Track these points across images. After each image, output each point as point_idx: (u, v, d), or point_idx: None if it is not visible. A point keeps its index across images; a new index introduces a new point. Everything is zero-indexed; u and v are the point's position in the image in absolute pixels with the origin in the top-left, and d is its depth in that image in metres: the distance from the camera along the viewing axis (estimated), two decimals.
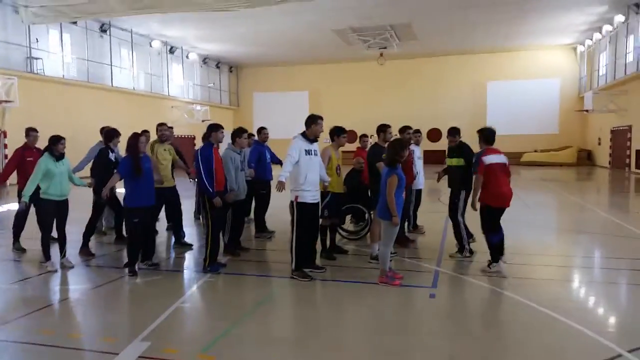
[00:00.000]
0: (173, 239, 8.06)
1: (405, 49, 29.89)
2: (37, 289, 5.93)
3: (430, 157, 31.39)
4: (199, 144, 6.55)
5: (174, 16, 23.14)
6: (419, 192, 8.65)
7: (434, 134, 32.87)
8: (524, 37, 28.63)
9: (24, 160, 7.87)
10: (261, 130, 8.91)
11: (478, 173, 6.29)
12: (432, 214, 10.94)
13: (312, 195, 6.00)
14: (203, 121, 29.68)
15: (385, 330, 4.54)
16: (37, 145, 8.17)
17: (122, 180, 6.35)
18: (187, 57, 31.65)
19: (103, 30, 24.58)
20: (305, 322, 4.83)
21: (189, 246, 7.85)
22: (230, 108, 37.74)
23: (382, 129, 7.23)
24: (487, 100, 33.61)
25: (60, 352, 4.07)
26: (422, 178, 8.68)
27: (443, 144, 32.71)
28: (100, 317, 5.01)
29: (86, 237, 7.40)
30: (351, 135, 19.63)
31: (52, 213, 6.66)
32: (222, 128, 6.64)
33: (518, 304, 5.18)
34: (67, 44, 22.76)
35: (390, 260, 6.03)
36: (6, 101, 18.64)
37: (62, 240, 6.80)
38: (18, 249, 7.74)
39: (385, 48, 29.03)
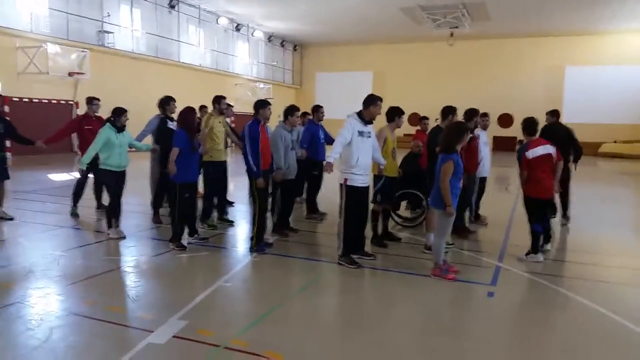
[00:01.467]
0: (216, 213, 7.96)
1: (477, 29, 28.39)
2: (87, 257, 5.99)
3: (500, 144, 29.95)
4: None
5: None
6: (483, 180, 8.06)
7: (505, 120, 31.24)
8: (607, 21, 26.40)
9: (82, 128, 8.04)
10: (318, 108, 8.58)
11: (523, 168, 5.99)
12: (498, 204, 10.26)
13: (362, 179, 5.64)
14: (265, 99, 29.75)
15: (434, 330, 4.15)
16: (99, 115, 8.34)
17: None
18: (252, 34, 31.74)
19: (172, 5, 25.00)
20: (349, 313, 4.51)
21: (230, 222, 7.73)
22: (292, 87, 37.69)
23: (449, 111, 6.69)
24: (565, 85, 31.45)
25: (98, 324, 4.01)
26: (488, 165, 8.06)
27: (514, 130, 31.32)
28: (142, 292, 4.94)
29: (156, 206, 7.75)
30: (414, 118, 19.01)
31: (110, 183, 6.74)
32: (270, 105, 6.41)
33: (587, 309, 4.61)
34: (137, 19, 23.35)
35: (446, 252, 5.59)
36: (78, 73, 19.44)
37: (117, 211, 6.87)
38: (73, 214, 7.97)
39: (456, 28, 27.65)
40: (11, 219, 7.57)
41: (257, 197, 6.16)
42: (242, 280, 5.40)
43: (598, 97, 30.19)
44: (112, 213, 6.82)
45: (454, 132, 5.25)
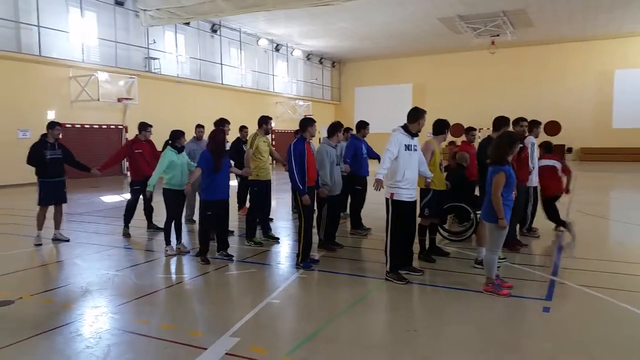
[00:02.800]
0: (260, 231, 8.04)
1: (519, 36, 27.81)
2: (140, 276, 6.16)
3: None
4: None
5: (280, 14, 23.64)
6: (535, 190, 7.81)
7: (552, 127, 30.21)
8: None
9: (132, 152, 8.34)
10: (364, 125, 8.59)
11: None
12: None
13: (408, 193, 5.57)
14: (305, 116, 30.08)
15: (489, 348, 4.00)
16: (149, 138, 8.65)
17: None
18: (291, 54, 32.27)
19: (214, 30, 25.78)
20: (399, 330, 4.42)
21: (275, 239, 7.79)
22: (331, 103, 37.93)
23: (503, 122, 6.47)
24: (614, 90, 30.25)
25: (152, 342, 4.10)
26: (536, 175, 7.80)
27: (563, 137, 30.33)
28: (194, 309, 5.04)
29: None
30: (457, 129, 18.68)
31: (173, 202, 7.02)
32: (315, 122, 6.48)
33: None
34: (181, 45, 24.20)
35: (498, 267, 5.42)
36: (127, 99, 20.27)
37: (178, 227, 7.15)
38: (125, 234, 8.25)
39: (497, 36, 27.20)
40: (67, 241, 7.90)
41: (303, 213, 6.19)
42: (290, 297, 5.41)
43: None
44: (176, 230, 7.15)
45: (504, 143, 5.12)
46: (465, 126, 9.16)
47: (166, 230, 7.12)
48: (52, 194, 7.77)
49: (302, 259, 6.23)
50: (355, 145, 8.12)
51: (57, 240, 7.89)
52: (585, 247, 7.49)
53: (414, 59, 34.81)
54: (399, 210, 5.57)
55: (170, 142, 7.14)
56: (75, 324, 4.52)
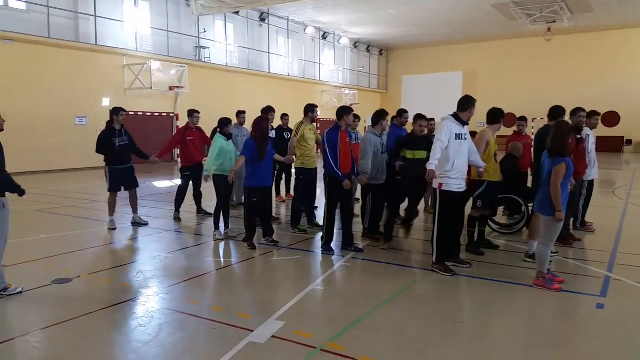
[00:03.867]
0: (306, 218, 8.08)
1: (578, 22, 26.57)
2: (190, 259, 6.35)
3: (606, 144, 27.48)
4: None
5: (327, 1, 23.57)
6: (590, 183, 7.49)
7: (610, 118, 28.76)
8: None
9: (185, 139, 8.56)
10: (402, 113, 8.47)
11: None
12: (606, 209, 9.50)
13: (457, 184, 5.45)
14: (351, 105, 29.95)
15: (539, 343, 3.89)
16: (198, 125, 8.86)
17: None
18: (338, 42, 32.12)
19: (262, 19, 25.98)
20: (445, 322, 4.37)
21: (320, 227, 7.82)
22: (378, 92, 37.56)
23: (558, 112, 6.18)
24: None
25: (201, 322, 4.23)
26: (596, 167, 7.48)
27: (621, 129, 28.96)
28: (241, 292, 5.16)
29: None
30: (509, 118, 18.09)
31: (224, 187, 7.18)
32: (352, 111, 6.51)
33: None
34: (230, 34, 24.53)
35: (550, 262, 5.24)
36: (178, 87, 20.80)
37: (226, 213, 7.33)
38: (176, 218, 8.51)
39: (554, 22, 26.04)
40: (146, 224, 8.13)
41: (328, 199, 6.37)
42: (334, 284, 5.45)
43: None
44: (224, 215, 7.30)
45: (563, 132, 4.93)
46: (518, 116, 8.88)
47: (216, 216, 7.29)
48: (121, 180, 7.90)
49: (325, 242, 6.41)
50: (397, 134, 7.96)
51: (136, 224, 8.08)
52: None
53: (465, 46, 33.86)
54: (447, 200, 5.47)
55: (218, 129, 7.30)
56: (129, 303, 4.72)
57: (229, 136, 7.31)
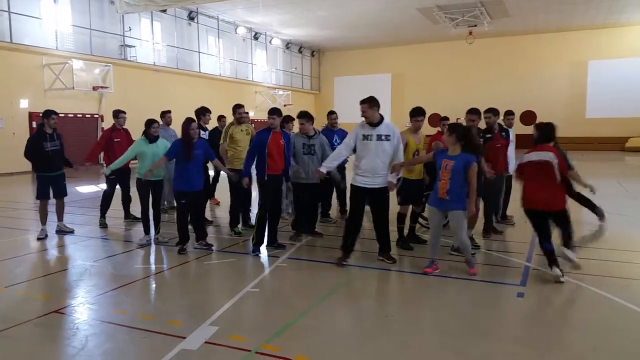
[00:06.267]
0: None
1: (496, 26, 28.09)
2: (118, 267, 6.11)
3: (524, 141, 29.10)
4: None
5: (258, 1, 23.40)
6: (509, 178, 7.95)
7: (528, 117, 30.61)
8: (632, 11, 25.81)
9: (111, 141, 8.22)
10: (330, 114, 8.61)
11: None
12: None
13: (365, 180, 5.78)
14: (285, 105, 29.99)
15: (462, 332, 4.09)
16: (125, 127, 8.53)
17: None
18: (270, 42, 32.01)
19: (191, 18, 25.40)
20: (375, 317, 4.50)
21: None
22: (311, 92, 37.83)
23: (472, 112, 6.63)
24: (588, 80, 30.82)
25: (131, 332, 4.09)
26: (513, 163, 7.94)
27: None
28: (173, 299, 5.03)
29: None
30: (435, 118, 18.85)
31: (144, 191, 6.97)
32: (278, 114, 6.49)
33: (620, 308, 4.52)
34: (157, 32, 23.78)
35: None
36: (102, 87, 19.89)
37: (156, 218, 7.11)
38: (102, 224, 8.17)
39: (474, 26, 27.42)
40: (72, 232, 7.72)
41: (261, 200, 6.51)
42: (269, 286, 5.44)
43: (623, 90, 29.45)
44: (154, 220, 7.12)
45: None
46: (442, 115, 9.27)
47: (143, 220, 7.09)
48: (52, 188, 7.48)
49: (254, 244, 6.48)
50: (326, 136, 7.98)
51: (61, 232, 7.67)
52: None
53: (393, 48, 34.88)
54: (354, 195, 5.86)
55: (144, 131, 7.06)
56: (53, 315, 4.47)
57: (153, 139, 7.00)
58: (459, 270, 5.58)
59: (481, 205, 6.77)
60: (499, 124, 7.32)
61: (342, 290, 5.19)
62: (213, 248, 6.68)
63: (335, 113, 8.63)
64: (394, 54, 35.02)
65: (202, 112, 8.28)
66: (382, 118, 5.80)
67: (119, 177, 8.23)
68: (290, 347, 3.75)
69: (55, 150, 7.37)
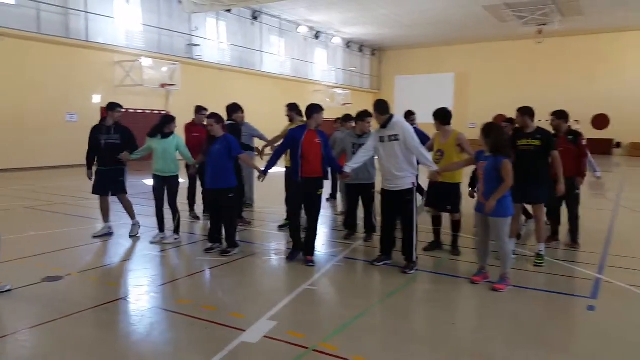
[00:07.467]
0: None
1: (568, 25, 26.78)
2: (180, 258, 6.31)
3: (596, 147, 27.45)
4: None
5: (321, 0, 23.54)
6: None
7: (600, 121, 29.01)
8: None
9: (190, 135, 8.44)
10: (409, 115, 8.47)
11: None
12: (596, 211, 9.59)
13: (387, 183, 5.71)
14: (343, 104, 30.02)
15: (530, 344, 3.89)
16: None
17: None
18: (331, 41, 32.11)
19: (254, 17, 25.90)
20: (437, 322, 4.38)
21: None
22: (371, 91, 37.61)
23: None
24: None
25: (193, 322, 4.20)
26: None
27: (611, 132, 29.14)
28: (233, 292, 5.12)
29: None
30: (500, 120, 18.19)
31: (157, 187, 7.03)
32: (322, 109, 6.09)
33: None
34: (222, 32, 24.42)
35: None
36: (170, 85, 20.66)
37: (173, 215, 7.01)
38: (193, 217, 8.56)
39: (544, 24, 26.25)
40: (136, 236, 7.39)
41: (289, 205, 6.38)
42: (326, 284, 5.43)
43: None
44: (175, 216, 7.03)
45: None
46: (508, 117, 8.92)
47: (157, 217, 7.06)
48: (104, 184, 7.14)
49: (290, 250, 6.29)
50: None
51: (134, 237, 7.22)
52: (633, 245, 7.22)
53: (457, 47, 34.00)
54: (382, 197, 5.81)
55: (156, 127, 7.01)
56: (120, 301, 4.68)
57: (166, 135, 6.92)
58: (525, 279, 5.34)
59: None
60: (569, 127, 6.92)
61: (401, 294, 5.09)
62: (234, 252, 6.34)
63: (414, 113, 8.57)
64: (457, 53, 34.15)
65: (235, 109, 8.16)
66: (390, 118, 5.64)
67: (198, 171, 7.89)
68: (348, 347, 3.71)
69: (111, 144, 7.04)
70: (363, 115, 6.83)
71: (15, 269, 5.51)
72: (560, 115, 6.79)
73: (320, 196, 6.03)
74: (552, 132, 6.69)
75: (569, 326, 4.41)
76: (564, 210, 6.88)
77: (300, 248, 6.07)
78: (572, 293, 5.09)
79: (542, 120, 6.61)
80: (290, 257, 6.07)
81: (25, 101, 16.45)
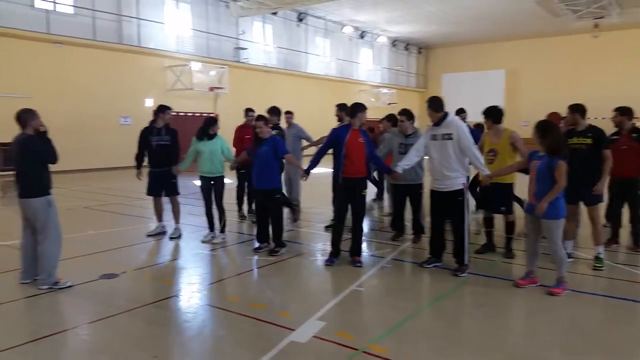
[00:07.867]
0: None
1: (627, 17, 25.49)
2: (230, 257, 6.43)
3: None
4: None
5: (366, 0, 23.44)
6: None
7: None
8: None
9: (242, 137, 8.60)
10: (460, 112, 8.29)
11: None
12: None
13: (435, 183, 5.59)
14: (389, 104, 29.78)
15: (590, 351, 3.73)
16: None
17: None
18: (376, 40, 31.92)
19: (300, 19, 26.10)
20: (488, 327, 4.25)
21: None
22: (417, 90, 37.11)
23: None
24: None
25: (244, 320, 4.27)
26: None
27: None
28: (282, 291, 5.16)
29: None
30: (555, 118, 17.54)
31: (204, 189, 7.17)
32: (365, 108, 5.96)
33: None
34: (268, 35, 24.75)
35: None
36: (218, 88, 21.12)
37: (220, 215, 7.13)
38: (241, 217, 8.71)
39: (601, 18, 25.07)
40: (179, 237, 7.43)
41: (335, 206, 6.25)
42: (374, 286, 5.38)
43: None
44: (219, 218, 7.14)
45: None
46: (563, 115, 8.57)
47: (207, 217, 7.20)
48: (158, 185, 7.33)
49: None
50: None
51: (177, 238, 7.28)
52: None
53: (507, 43, 33.01)
54: (431, 198, 5.72)
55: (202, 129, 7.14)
56: (174, 299, 4.82)
57: (211, 136, 7.08)
58: (584, 283, 5.12)
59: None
60: (633, 124, 6.56)
61: (451, 297, 4.98)
62: (281, 251, 6.37)
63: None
64: (507, 49, 33.16)
65: (276, 112, 8.30)
66: (444, 116, 5.50)
67: (248, 172, 8.14)
68: (398, 350, 3.67)
69: (162, 145, 7.22)
70: (401, 114, 6.91)
71: (75, 266, 5.77)
72: (623, 112, 6.46)
73: (364, 196, 6.00)
74: (615, 129, 6.39)
75: (630, 333, 4.18)
76: (625, 212, 6.55)
77: (337, 254, 6.01)
78: (634, 298, 4.83)
79: (605, 117, 6.26)
80: (328, 262, 5.96)
81: (82, 105, 17.24)
